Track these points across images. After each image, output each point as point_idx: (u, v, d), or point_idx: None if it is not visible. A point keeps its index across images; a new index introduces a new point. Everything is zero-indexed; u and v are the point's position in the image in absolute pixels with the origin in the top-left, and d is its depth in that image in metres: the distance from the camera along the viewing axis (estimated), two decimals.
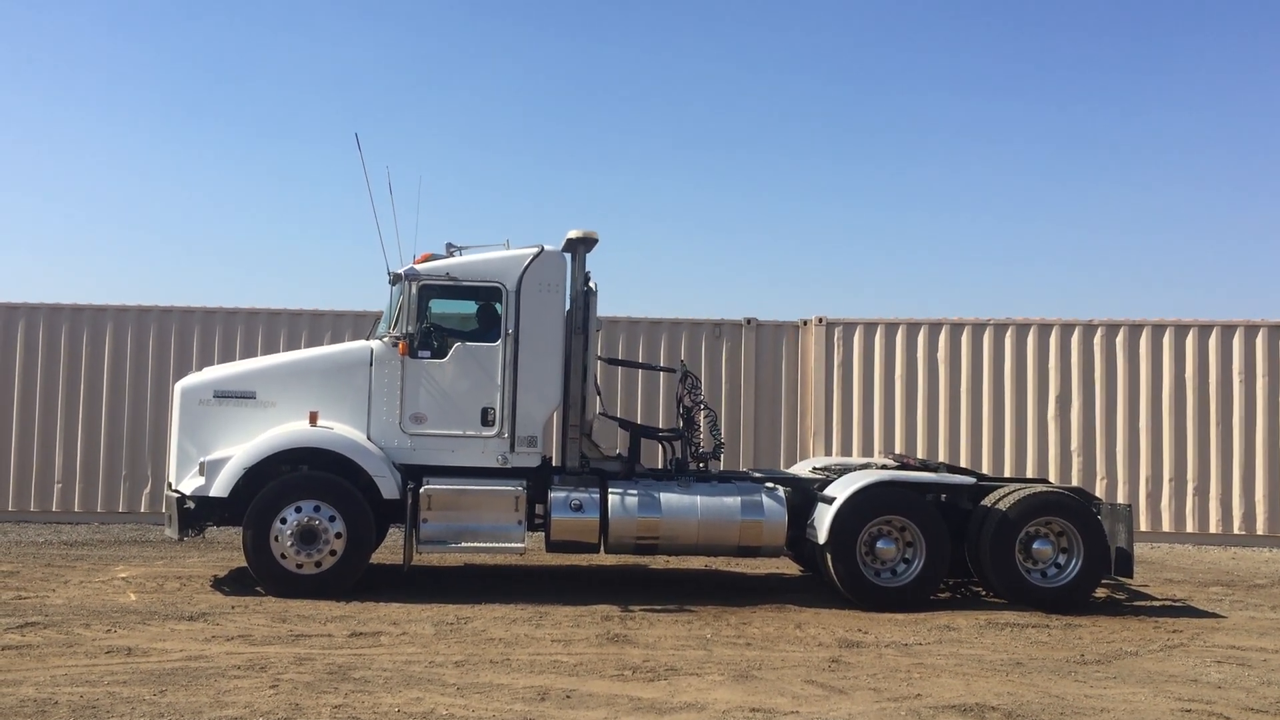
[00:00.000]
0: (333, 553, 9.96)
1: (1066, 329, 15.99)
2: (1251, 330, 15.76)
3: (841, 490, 10.25)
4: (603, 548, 10.57)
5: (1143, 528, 15.18)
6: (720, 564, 12.90)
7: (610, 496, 10.37)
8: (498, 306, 10.49)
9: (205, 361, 14.56)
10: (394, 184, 10.71)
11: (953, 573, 10.76)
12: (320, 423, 10.22)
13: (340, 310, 15.94)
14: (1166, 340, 15.84)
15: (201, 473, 10.01)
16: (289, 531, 9.88)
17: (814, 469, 11.77)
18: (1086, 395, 15.83)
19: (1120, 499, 15.15)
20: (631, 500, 10.37)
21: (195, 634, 8.31)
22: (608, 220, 35.46)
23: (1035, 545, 10.36)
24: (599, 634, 8.69)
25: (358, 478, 10.11)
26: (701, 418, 11.55)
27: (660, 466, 11.67)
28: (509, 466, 10.41)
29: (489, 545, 10.27)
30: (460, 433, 10.41)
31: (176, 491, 10.20)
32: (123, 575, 11.06)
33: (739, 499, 10.55)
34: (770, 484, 10.90)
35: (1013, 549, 10.25)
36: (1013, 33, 35.59)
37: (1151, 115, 34.81)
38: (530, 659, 7.73)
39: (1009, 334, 16.01)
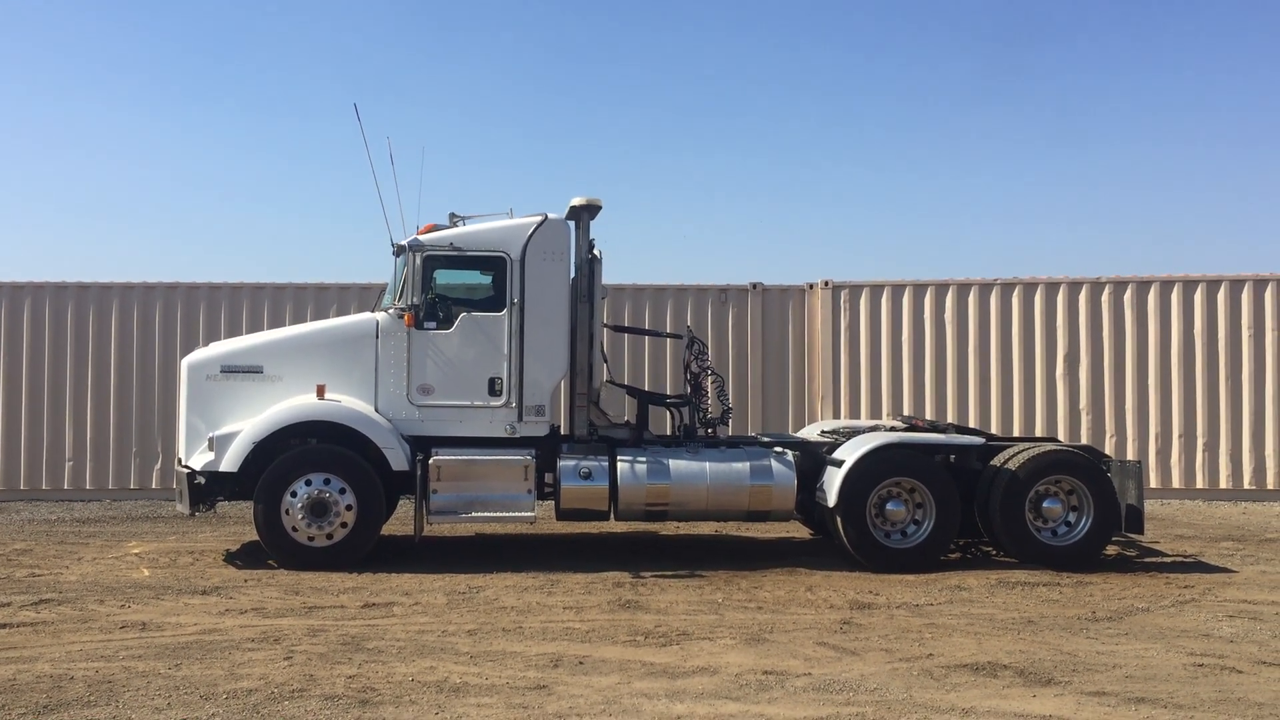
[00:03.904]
0: (344, 525, 9.99)
1: (1073, 287, 15.89)
2: (1260, 284, 15.66)
3: (850, 453, 10.23)
4: (613, 515, 10.59)
5: (1153, 484, 15.20)
6: (730, 529, 12.92)
7: (619, 464, 10.38)
8: (503, 276, 10.45)
9: (212, 337, 14.54)
10: (396, 156, 10.65)
11: (963, 533, 10.76)
12: (328, 396, 10.22)
13: (345, 283, 15.92)
14: (1175, 296, 15.75)
15: (211, 448, 10.03)
16: (299, 505, 9.91)
17: (822, 432, 11.76)
18: (1095, 353, 15.77)
19: (1130, 456, 15.14)
20: (641, 467, 10.38)
21: (209, 608, 8.36)
22: (611, 188, 35.28)
23: (1045, 504, 10.35)
24: (611, 601, 8.72)
25: (367, 450, 10.12)
26: (709, 383, 11.51)
27: (669, 433, 11.65)
28: (517, 436, 10.41)
29: (499, 515, 10.30)
30: (468, 403, 10.40)
31: (186, 467, 10.23)
32: (135, 551, 11.12)
33: (748, 464, 10.55)
34: (779, 448, 10.89)
35: (1023, 508, 10.24)
36: None
37: (1157, 71, 34.46)
38: (542, 627, 7.76)
39: (1016, 293, 15.93)
